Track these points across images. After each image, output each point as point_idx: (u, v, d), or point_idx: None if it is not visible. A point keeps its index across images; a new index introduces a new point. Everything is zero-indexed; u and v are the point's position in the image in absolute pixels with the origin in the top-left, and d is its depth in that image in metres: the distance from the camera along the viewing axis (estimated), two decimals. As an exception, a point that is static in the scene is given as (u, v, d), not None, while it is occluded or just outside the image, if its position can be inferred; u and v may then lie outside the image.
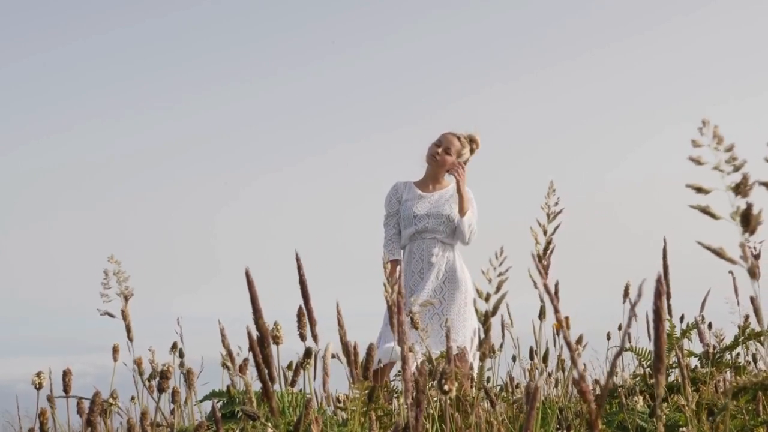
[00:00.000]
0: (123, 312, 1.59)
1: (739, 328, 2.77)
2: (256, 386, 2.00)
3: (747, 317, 2.73)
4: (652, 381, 2.64)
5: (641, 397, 2.31)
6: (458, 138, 4.43)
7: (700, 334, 2.57)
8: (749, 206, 0.70)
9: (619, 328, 3.10)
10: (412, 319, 2.29)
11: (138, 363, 2.10)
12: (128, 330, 1.65)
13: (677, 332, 2.67)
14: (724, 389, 2.61)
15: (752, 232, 0.71)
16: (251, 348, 1.07)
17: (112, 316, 1.60)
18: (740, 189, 0.71)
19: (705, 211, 0.73)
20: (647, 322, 2.43)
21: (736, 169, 0.72)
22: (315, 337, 1.18)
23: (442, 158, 4.40)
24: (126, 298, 1.55)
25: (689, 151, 0.70)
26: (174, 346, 3.09)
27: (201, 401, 2.32)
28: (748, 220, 0.70)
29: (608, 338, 2.74)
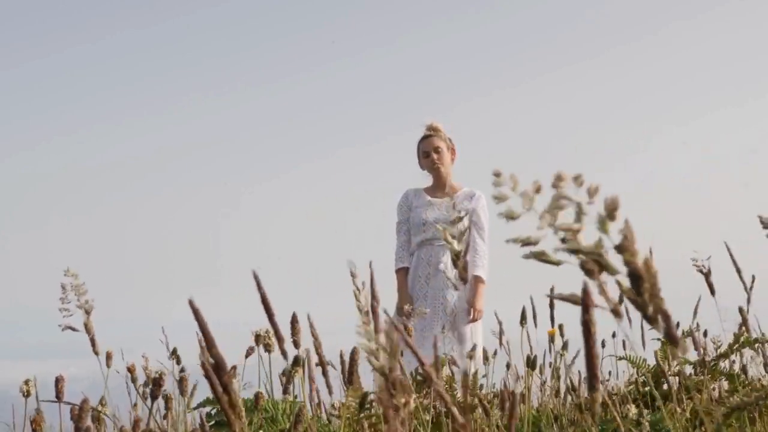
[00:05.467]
0: (86, 326, 1.58)
1: (734, 335, 2.78)
2: (245, 394, 2.00)
3: (741, 325, 2.73)
4: (647, 389, 2.64)
5: (634, 405, 2.31)
6: (432, 133, 4.45)
7: (695, 342, 2.58)
8: (584, 261, 0.64)
9: (613, 335, 3.10)
10: (405, 327, 2.29)
11: (131, 370, 2.11)
12: (93, 343, 1.64)
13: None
14: (719, 396, 2.61)
15: (610, 272, 0.65)
16: (207, 377, 0.99)
17: (74, 330, 1.60)
18: (569, 247, 0.64)
19: (542, 258, 0.66)
20: (641, 328, 2.43)
21: (551, 209, 0.64)
22: (288, 351, 1.18)
23: (441, 159, 4.41)
24: (87, 312, 1.54)
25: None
26: (174, 352, 3.10)
27: (195, 408, 2.33)
28: (590, 272, 0.63)
29: (603, 346, 2.74)
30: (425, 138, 4.50)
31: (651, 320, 0.65)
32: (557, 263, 0.66)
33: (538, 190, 0.65)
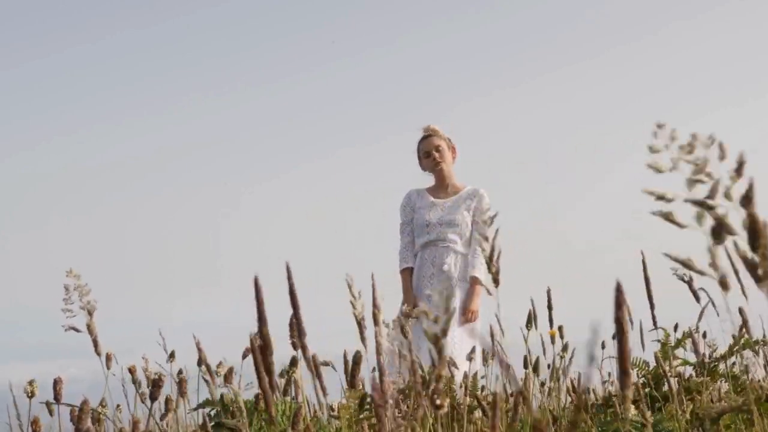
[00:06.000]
0: (89, 326, 1.59)
1: (733, 337, 2.78)
2: (246, 395, 2.00)
3: (741, 327, 2.73)
4: (647, 390, 2.64)
5: (634, 406, 2.31)
6: (431, 133, 4.45)
7: (695, 344, 2.58)
8: (719, 220, 0.67)
9: (613, 337, 3.10)
10: (402, 328, 2.29)
11: (132, 371, 2.11)
12: (95, 344, 1.64)
13: (672, 341, 2.67)
14: (719, 398, 2.61)
15: (731, 233, 0.67)
16: (253, 355, 1.06)
17: (77, 330, 1.60)
18: (694, 199, 0.67)
19: (668, 218, 0.69)
20: (641, 331, 2.43)
21: (698, 171, 0.69)
22: (303, 349, 1.18)
23: (442, 157, 4.40)
24: (90, 313, 1.55)
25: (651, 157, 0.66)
26: (172, 354, 3.09)
27: (194, 409, 2.32)
28: (718, 233, 0.67)
29: (603, 347, 2.75)
30: (425, 138, 4.49)
31: (760, 279, 0.66)
32: (681, 225, 0.69)
33: (693, 147, 0.68)
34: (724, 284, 0.67)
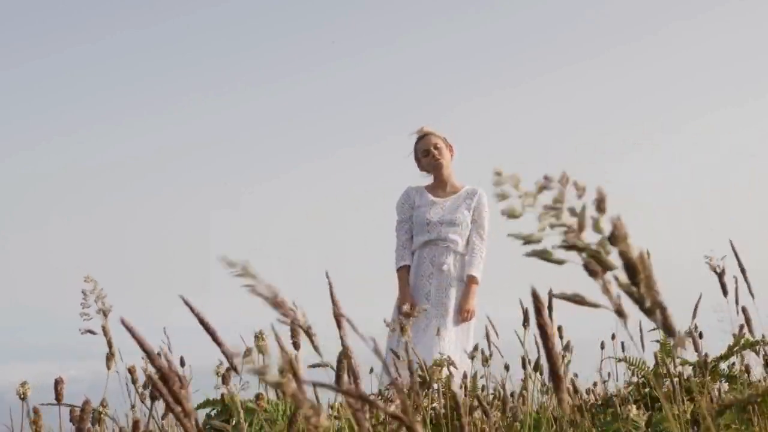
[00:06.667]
0: (104, 328, 1.59)
1: (733, 337, 2.77)
2: (245, 395, 2.00)
3: (742, 327, 2.73)
4: (646, 390, 2.64)
5: (635, 406, 2.31)
6: (428, 132, 4.45)
7: (695, 343, 2.58)
8: (587, 261, 0.64)
9: (613, 337, 3.10)
10: (401, 327, 2.28)
11: (131, 371, 2.10)
12: (110, 345, 1.65)
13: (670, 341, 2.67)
14: (719, 398, 2.61)
15: (608, 269, 0.65)
16: (154, 388, 0.95)
17: (93, 333, 1.60)
18: (566, 245, 0.65)
19: (544, 257, 0.66)
20: (640, 330, 2.43)
21: (548, 210, 0.64)
22: (316, 349, 1.18)
23: (441, 154, 4.38)
24: (105, 315, 1.55)
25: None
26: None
27: (194, 409, 2.32)
28: (594, 272, 0.63)
29: (602, 347, 2.75)
30: (422, 138, 4.47)
31: (648, 312, 0.65)
32: (559, 262, 0.67)
33: (540, 189, 0.66)
34: (620, 313, 0.66)
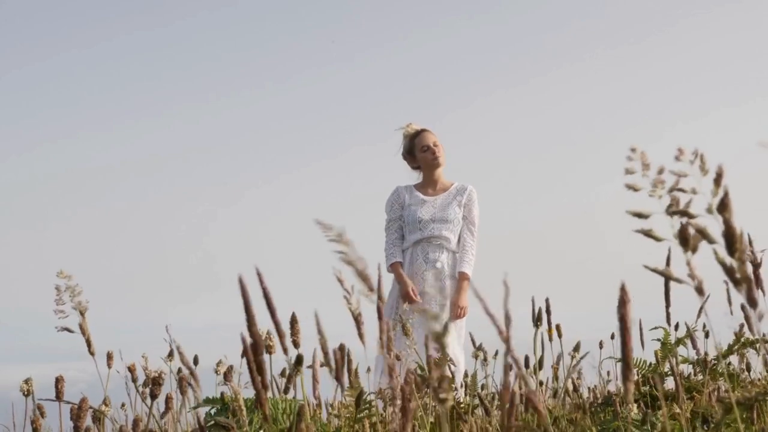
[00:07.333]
0: (81, 327, 1.58)
1: (735, 335, 2.78)
2: (246, 394, 2.00)
3: (742, 326, 2.73)
4: (645, 389, 2.64)
5: (635, 405, 2.31)
6: (426, 128, 4.46)
7: (693, 342, 2.58)
8: (684, 227, 0.72)
9: (612, 337, 3.10)
10: (403, 326, 2.29)
11: (131, 370, 2.11)
12: (88, 344, 1.63)
13: (672, 340, 2.67)
14: (718, 397, 2.61)
15: (693, 251, 0.74)
16: (245, 355, 1.07)
17: (70, 331, 1.59)
18: (673, 210, 0.73)
19: (648, 234, 0.73)
20: (640, 329, 2.43)
21: (671, 190, 0.74)
22: (296, 345, 1.18)
23: (440, 152, 4.39)
24: (81, 313, 1.54)
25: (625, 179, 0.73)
26: (170, 354, 3.10)
27: (194, 408, 2.32)
28: (686, 240, 0.72)
29: (600, 347, 2.75)
30: (421, 133, 4.45)
31: (737, 282, 0.71)
32: (658, 239, 0.74)
33: (661, 171, 0.74)
34: (700, 290, 0.74)
